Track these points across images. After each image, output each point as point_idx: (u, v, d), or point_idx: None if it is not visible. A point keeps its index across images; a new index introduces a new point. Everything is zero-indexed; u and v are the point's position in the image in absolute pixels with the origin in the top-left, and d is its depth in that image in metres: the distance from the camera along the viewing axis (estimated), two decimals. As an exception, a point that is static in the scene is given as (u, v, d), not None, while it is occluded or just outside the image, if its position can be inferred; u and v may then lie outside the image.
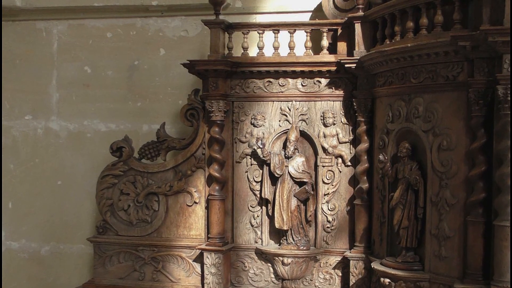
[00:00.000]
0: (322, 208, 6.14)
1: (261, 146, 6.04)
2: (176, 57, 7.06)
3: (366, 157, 5.87)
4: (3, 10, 7.46)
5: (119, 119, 7.47)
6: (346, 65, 5.84)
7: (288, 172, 6.07)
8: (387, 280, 5.39)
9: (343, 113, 6.10)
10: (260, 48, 6.23)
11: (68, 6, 7.38)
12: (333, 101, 6.13)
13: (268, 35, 6.25)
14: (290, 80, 6.19)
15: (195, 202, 6.39)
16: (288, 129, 6.15)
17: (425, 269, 5.26)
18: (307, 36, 6.15)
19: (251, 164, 6.31)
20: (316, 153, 6.18)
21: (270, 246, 6.28)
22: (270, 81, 6.22)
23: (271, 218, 6.20)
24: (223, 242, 6.22)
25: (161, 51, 7.35)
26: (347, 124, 6.09)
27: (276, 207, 6.09)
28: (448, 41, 4.81)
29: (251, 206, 6.32)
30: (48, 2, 7.39)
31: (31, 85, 7.65)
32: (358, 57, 5.78)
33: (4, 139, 7.71)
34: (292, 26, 6.18)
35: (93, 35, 7.53)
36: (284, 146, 6.17)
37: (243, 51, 6.27)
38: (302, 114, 6.17)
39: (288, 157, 6.10)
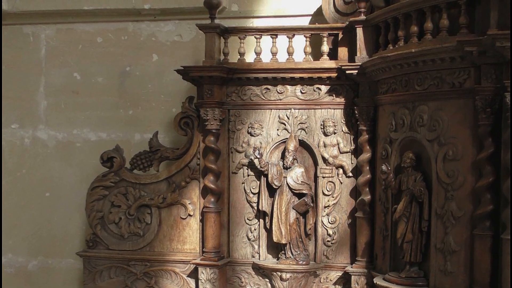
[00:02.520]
0: (322, 221, 6.13)
1: (258, 156, 6.03)
2: (169, 63, 7.04)
3: (368, 167, 5.85)
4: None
5: (110, 128, 7.45)
6: (347, 72, 5.83)
7: (287, 183, 6.06)
8: (390, 296, 5.39)
9: (344, 122, 6.09)
10: (258, 54, 6.22)
11: (56, 9, 7.34)
12: (334, 109, 6.13)
13: (266, 40, 6.25)
14: (288, 87, 6.18)
15: (190, 215, 6.36)
16: (287, 139, 6.14)
17: (430, 284, 5.22)
18: (306, 41, 6.14)
19: (248, 175, 6.30)
20: (316, 163, 6.16)
21: (267, 260, 6.26)
22: (267, 88, 6.21)
23: (269, 231, 6.18)
24: (218, 256, 6.20)
25: (154, 56, 7.34)
26: (348, 133, 6.08)
27: (274, 220, 6.08)
28: (454, 46, 4.79)
29: (248, 219, 6.30)
30: (35, 6, 7.36)
31: (18, 92, 7.61)
32: (359, 63, 5.76)
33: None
34: (291, 31, 6.17)
35: (83, 40, 7.51)
36: (283, 156, 6.16)
37: (239, 56, 6.26)
38: (301, 123, 6.16)
39: (286, 168, 6.09)
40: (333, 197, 6.11)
